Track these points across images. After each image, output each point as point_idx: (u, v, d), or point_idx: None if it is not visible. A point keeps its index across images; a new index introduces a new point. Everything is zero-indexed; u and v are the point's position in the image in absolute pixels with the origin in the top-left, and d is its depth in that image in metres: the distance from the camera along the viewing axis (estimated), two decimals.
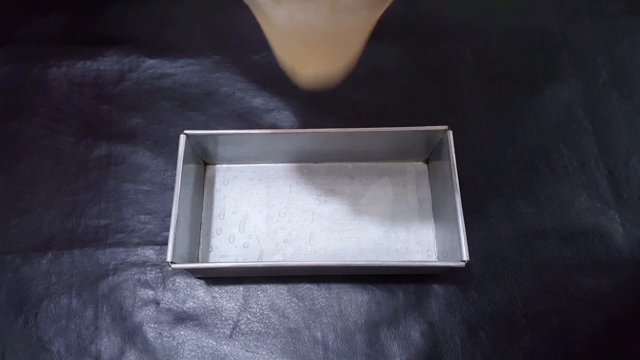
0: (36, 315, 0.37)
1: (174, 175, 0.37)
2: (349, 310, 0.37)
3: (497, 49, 0.47)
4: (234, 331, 0.37)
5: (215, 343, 0.37)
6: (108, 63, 0.47)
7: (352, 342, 0.36)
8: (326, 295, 0.38)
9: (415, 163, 0.42)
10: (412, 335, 0.37)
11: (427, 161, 0.42)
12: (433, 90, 0.45)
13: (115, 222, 0.40)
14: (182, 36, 0.48)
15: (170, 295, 0.38)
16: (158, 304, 0.38)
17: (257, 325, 0.37)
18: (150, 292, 0.38)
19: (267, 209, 0.40)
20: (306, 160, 0.42)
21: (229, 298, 0.38)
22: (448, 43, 0.47)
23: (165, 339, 0.37)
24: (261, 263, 0.36)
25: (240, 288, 0.38)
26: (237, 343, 0.37)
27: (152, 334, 0.37)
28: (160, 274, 0.39)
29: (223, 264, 0.36)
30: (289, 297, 0.38)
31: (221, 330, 0.37)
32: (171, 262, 0.33)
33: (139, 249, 0.39)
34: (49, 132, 0.44)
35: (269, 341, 0.37)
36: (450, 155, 0.35)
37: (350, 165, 0.42)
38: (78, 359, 0.36)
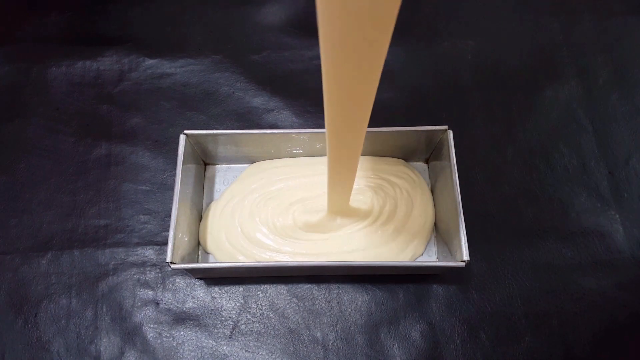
0: (36, 316, 0.37)
1: (174, 175, 0.37)
2: (349, 310, 0.37)
3: (497, 49, 0.47)
4: (234, 331, 0.37)
5: (215, 343, 0.37)
6: (108, 63, 0.47)
7: (352, 342, 0.36)
8: (326, 296, 0.38)
9: (415, 163, 0.42)
10: (413, 336, 0.36)
11: (427, 161, 0.42)
12: (433, 90, 0.45)
13: (115, 222, 0.40)
14: (182, 36, 0.48)
15: (170, 295, 0.38)
16: (158, 304, 0.38)
17: (257, 325, 0.37)
18: (150, 292, 0.38)
19: None
20: None
21: (228, 298, 0.38)
22: (448, 43, 0.47)
23: (164, 339, 0.37)
24: (261, 263, 0.36)
25: (240, 288, 0.38)
26: (237, 343, 0.37)
27: (151, 334, 0.37)
28: (160, 274, 0.39)
29: (223, 264, 0.35)
30: (289, 297, 0.38)
31: (221, 331, 0.37)
32: (171, 262, 0.33)
33: (138, 249, 0.39)
34: (49, 132, 0.44)
35: (268, 341, 0.37)
36: (451, 155, 0.35)
37: None
38: (78, 359, 0.36)
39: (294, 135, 0.38)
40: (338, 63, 0.18)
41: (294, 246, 0.37)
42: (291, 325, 0.37)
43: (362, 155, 0.41)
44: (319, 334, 0.37)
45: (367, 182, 0.39)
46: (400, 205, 0.38)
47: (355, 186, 0.38)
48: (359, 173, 0.39)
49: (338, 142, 0.25)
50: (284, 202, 0.38)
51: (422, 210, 0.38)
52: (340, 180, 0.30)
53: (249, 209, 0.38)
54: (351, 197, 0.36)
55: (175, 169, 0.36)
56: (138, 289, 0.38)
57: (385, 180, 0.39)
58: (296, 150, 0.40)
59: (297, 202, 0.38)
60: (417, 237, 0.38)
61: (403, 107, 0.44)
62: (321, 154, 0.41)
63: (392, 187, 0.39)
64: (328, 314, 0.37)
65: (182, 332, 0.37)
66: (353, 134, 0.24)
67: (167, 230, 0.34)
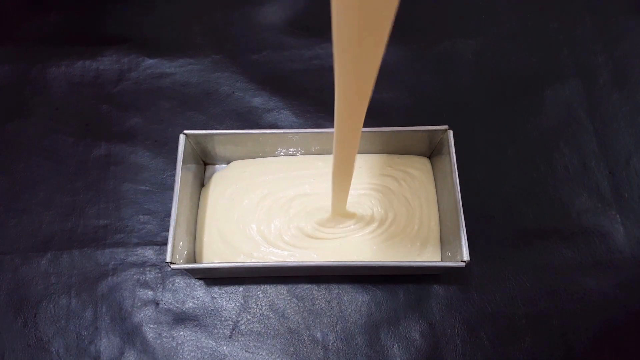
0: (35, 316, 0.37)
1: (174, 175, 0.37)
2: (349, 310, 0.37)
3: (497, 49, 0.47)
4: (234, 332, 0.37)
5: (214, 344, 0.36)
6: (107, 63, 0.46)
7: (352, 342, 0.36)
8: (326, 296, 0.38)
9: None
10: (413, 336, 0.36)
11: None
12: (433, 89, 0.45)
13: (115, 222, 0.40)
14: (182, 36, 0.48)
15: (169, 295, 0.38)
16: (157, 304, 0.38)
17: (257, 325, 0.37)
18: (150, 293, 0.38)
19: None
20: None
21: (228, 298, 0.38)
22: (448, 43, 0.47)
23: (164, 339, 0.37)
24: (261, 263, 0.36)
25: (240, 288, 0.38)
26: (236, 344, 0.36)
27: (151, 335, 0.37)
28: (159, 274, 0.39)
29: (223, 264, 0.35)
30: (288, 298, 0.38)
31: (221, 331, 0.37)
32: (171, 263, 0.32)
33: (138, 249, 0.39)
34: (49, 132, 0.44)
35: (268, 342, 0.36)
36: (451, 155, 0.35)
37: None
38: (77, 359, 0.36)
39: (293, 135, 0.38)
40: (349, 57, 0.19)
41: (303, 256, 0.37)
42: (291, 326, 0.37)
43: (370, 154, 0.41)
44: (319, 334, 0.37)
45: (389, 172, 0.39)
46: (420, 207, 0.38)
47: (371, 183, 0.39)
48: (379, 166, 0.39)
49: (345, 132, 0.25)
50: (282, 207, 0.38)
51: (433, 214, 0.38)
52: (345, 176, 0.31)
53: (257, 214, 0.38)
54: (357, 204, 0.36)
55: (175, 169, 0.35)
56: (138, 289, 0.38)
57: (405, 172, 0.39)
58: (295, 150, 0.40)
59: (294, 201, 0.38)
60: (435, 254, 0.37)
61: (403, 107, 0.44)
62: (321, 154, 0.41)
63: (412, 179, 0.39)
64: (328, 314, 0.37)
65: (182, 333, 0.37)
66: (357, 120, 0.25)
67: (167, 230, 0.34)
